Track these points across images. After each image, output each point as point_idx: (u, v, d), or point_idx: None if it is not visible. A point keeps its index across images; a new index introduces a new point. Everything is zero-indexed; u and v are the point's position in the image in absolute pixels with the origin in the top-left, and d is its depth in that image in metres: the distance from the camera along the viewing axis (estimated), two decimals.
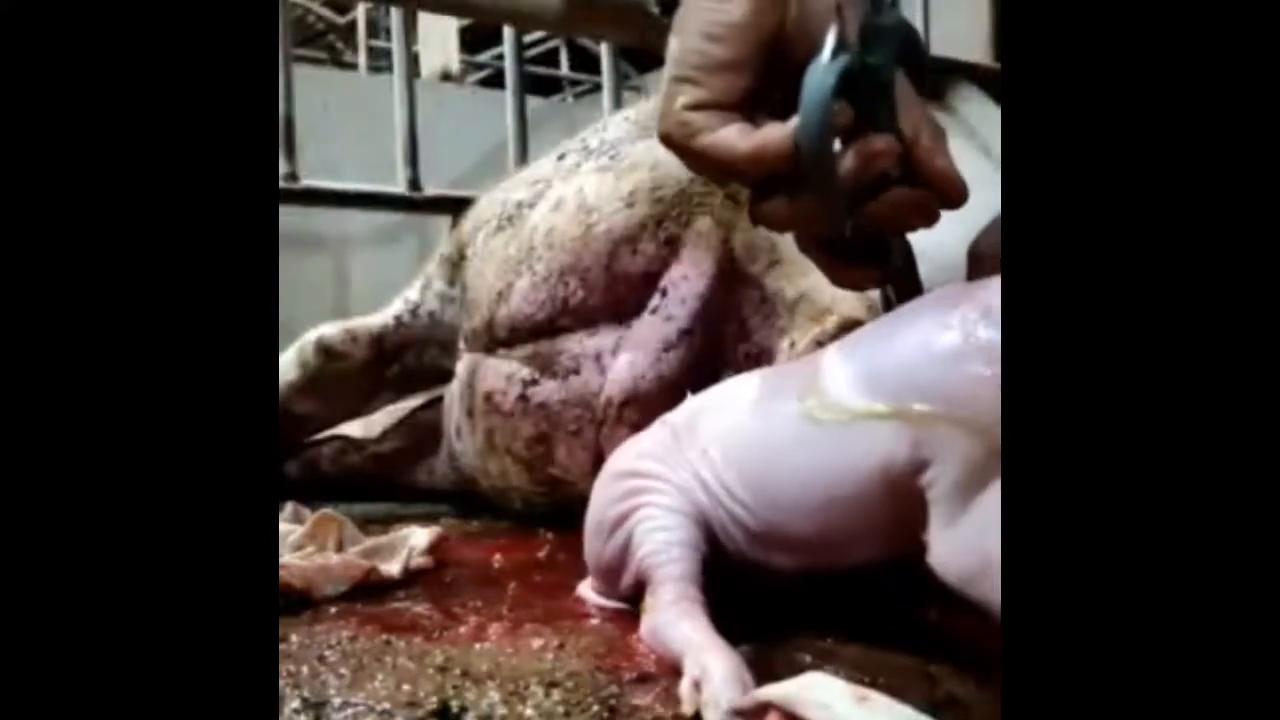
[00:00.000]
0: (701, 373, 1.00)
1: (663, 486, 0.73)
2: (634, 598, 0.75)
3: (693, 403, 0.79)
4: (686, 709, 0.59)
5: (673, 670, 0.63)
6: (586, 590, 0.82)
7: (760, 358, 1.00)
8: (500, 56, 2.53)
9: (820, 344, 0.90)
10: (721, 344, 1.01)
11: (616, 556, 0.75)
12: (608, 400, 1.02)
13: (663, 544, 0.71)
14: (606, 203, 1.07)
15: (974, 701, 0.59)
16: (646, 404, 0.99)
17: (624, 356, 1.02)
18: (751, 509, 0.70)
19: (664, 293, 1.02)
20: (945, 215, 1.03)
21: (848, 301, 0.96)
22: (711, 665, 0.60)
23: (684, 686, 0.60)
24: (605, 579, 0.78)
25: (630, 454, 0.80)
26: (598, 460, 1.06)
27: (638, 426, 1.01)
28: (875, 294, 0.96)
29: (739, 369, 1.00)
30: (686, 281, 1.01)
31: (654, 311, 1.02)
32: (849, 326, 0.92)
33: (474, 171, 2.76)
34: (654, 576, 0.71)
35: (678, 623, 0.67)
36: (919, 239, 1.01)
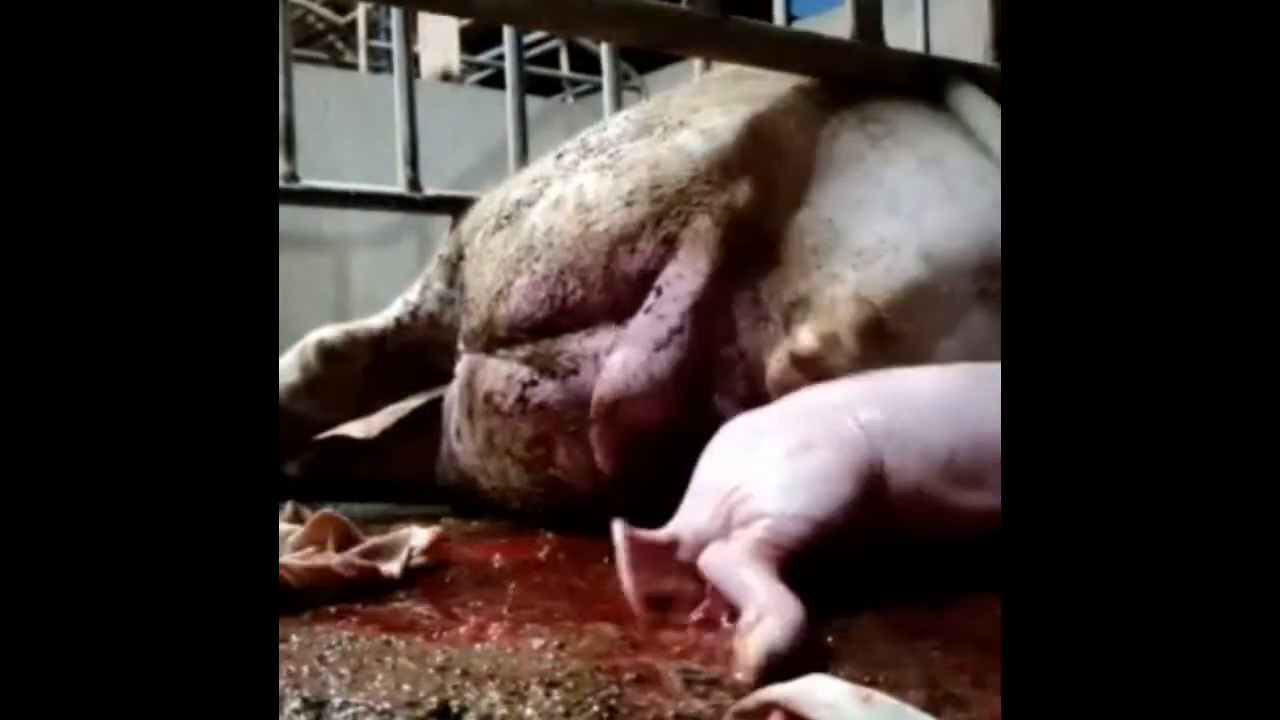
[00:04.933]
0: (692, 372, 1.00)
1: (827, 452, 0.78)
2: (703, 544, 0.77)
3: (838, 390, 0.87)
4: (752, 658, 0.62)
5: (678, 662, 0.63)
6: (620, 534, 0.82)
7: (744, 361, 1.00)
8: (500, 56, 2.54)
9: (832, 337, 0.92)
10: (711, 344, 1.01)
11: (752, 493, 0.77)
12: (599, 399, 1.02)
13: (793, 511, 0.75)
14: (606, 201, 1.07)
15: (974, 701, 0.59)
16: (638, 403, 0.99)
17: (617, 355, 1.02)
18: (942, 482, 0.78)
19: (658, 291, 1.02)
20: (950, 215, 1.03)
21: (848, 304, 0.96)
22: (772, 610, 0.65)
23: (743, 622, 0.65)
24: (703, 507, 0.80)
25: (792, 418, 0.84)
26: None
27: (630, 425, 1.01)
28: (875, 299, 0.96)
29: (725, 371, 1.00)
30: (681, 280, 1.01)
31: (648, 310, 1.02)
32: (865, 334, 0.93)
33: (474, 171, 2.77)
34: (755, 521, 0.75)
35: (749, 564, 0.72)
36: (925, 238, 1.01)
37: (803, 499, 0.75)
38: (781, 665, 0.63)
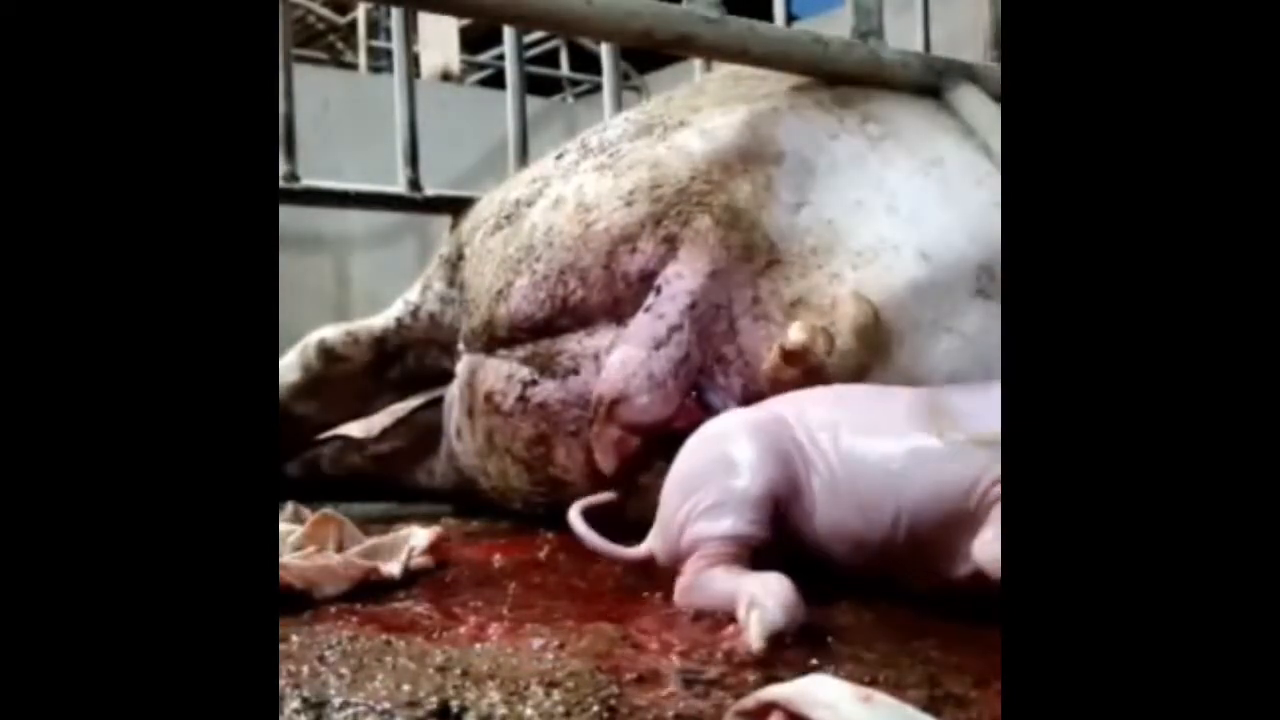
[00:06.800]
0: (691, 371, 1.00)
1: (760, 460, 0.80)
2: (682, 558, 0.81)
3: (796, 396, 0.88)
4: (756, 640, 0.65)
5: (678, 664, 0.63)
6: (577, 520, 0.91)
7: (743, 360, 1.00)
8: (500, 56, 2.53)
9: (820, 330, 0.92)
10: (711, 343, 1.01)
11: (687, 514, 0.80)
12: (599, 398, 1.02)
13: (725, 527, 0.78)
14: (606, 201, 1.07)
15: (974, 701, 0.59)
16: (637, 402, 0.99)
17: (616, 354, 1.01)
18: (849, 495, 0.78)
19: (658, 290, 1.02)
20: (950, 215, 1.03)
21: (847, 304, 0.96)
22: (761, 593, 0.69)
23: (741, 614, 0.68)
24: (667, 535, 0.83)
25: (736, 423, 0.87)
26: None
27: (629, 424, 1.01)
28: (875, 298, 0.96)
29: (725, 370, 1.00)
30: (680, 279, 1.01)
31: (647, 309, 1.02)
32: (864, 333, 0.93)
33: (474, 171, 2.77)
34: (697, 547, 0.78)
35: (712, 574, 0.76)
36: (925, 238, 1.01)
37: (729, 519, 0.78)
38: (783, 639, 0.66)
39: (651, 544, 0.85)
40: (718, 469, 0.81)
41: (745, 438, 0.81)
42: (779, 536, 0.79)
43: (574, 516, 0.93)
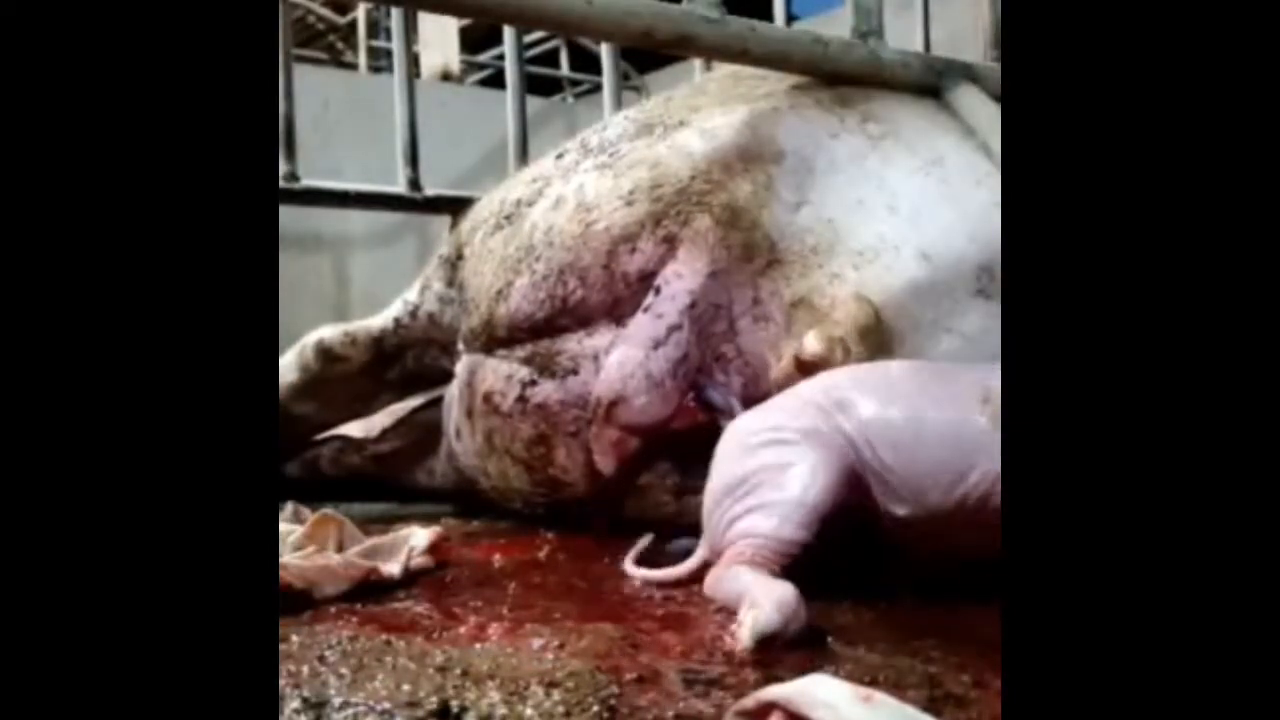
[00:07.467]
0: (690, 371, 1.00)
1: (817, 466, 0.80)
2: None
3: (828, 380, 0.87)
4: (745, 639, 0.66)
5: (682, 657, 0.64)
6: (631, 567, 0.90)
7: (743, 360, 1.00)
8: (500, 56, 2.53)
9: (838, 341, 0.92)
10: (710, 343, 1.01)
11: (737, 512, 0.80)
12: (597, 399, 1.02)
13: (771, 528, 0.78)
14: (606, 201, 1.06)
15: (974, 701, 0.59)
16: (636, 402, 0.99)
17: (614, 355, 1.01)
18: (905, 479, 0.79)
19: (657, 290, 1.02)
20: (950, 214, 1.03)
21: (849, 304, 0.96)
22: (762, 595, 0.70)
23: (741, 615, 0.69)
24: (714, 531, 0.83)
25: (775, 419, 0.85)
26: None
27: (628, 425, 1.01)
28: (875, 298, 0.96)
29: (725, 369, 1.00)
30: (679, 279, 1.01)
31: (646, 309, 1.02)
32: (866, 333, 0.93)
33: (474, 171, 2.76)
34: (741, 540, 0.78)
35: (738, 571, 0.76)
36: (925, 238, 1.01)
37: (776, 520, 0.78)
38: (776, 643, 0.67)
39: (702, 551, 0.85)
40: (773, 472, 0.80)
41: (802, 443, 0.81)
42: (847, 522, 0.80)
43: (629, 567, 0.92)
